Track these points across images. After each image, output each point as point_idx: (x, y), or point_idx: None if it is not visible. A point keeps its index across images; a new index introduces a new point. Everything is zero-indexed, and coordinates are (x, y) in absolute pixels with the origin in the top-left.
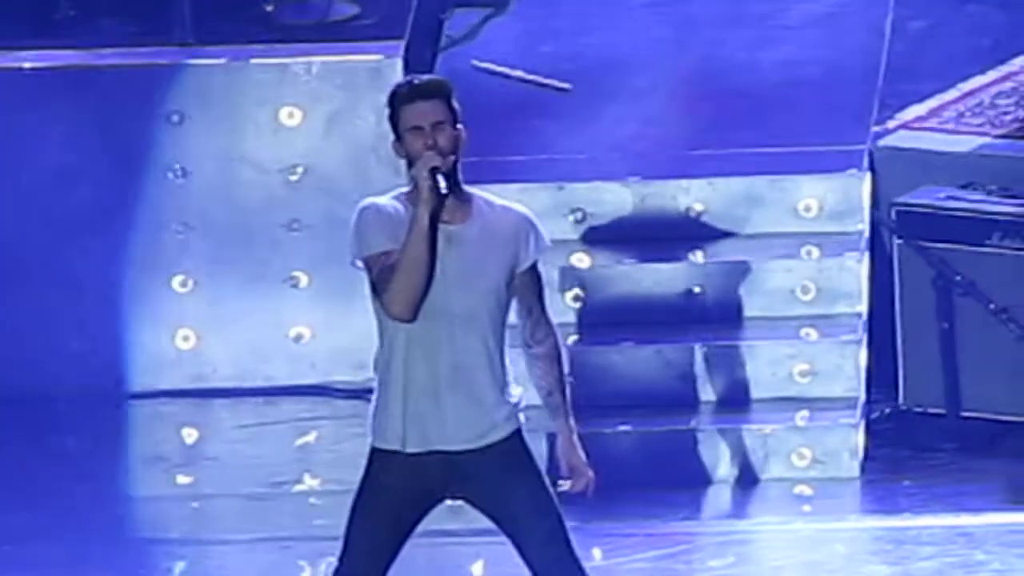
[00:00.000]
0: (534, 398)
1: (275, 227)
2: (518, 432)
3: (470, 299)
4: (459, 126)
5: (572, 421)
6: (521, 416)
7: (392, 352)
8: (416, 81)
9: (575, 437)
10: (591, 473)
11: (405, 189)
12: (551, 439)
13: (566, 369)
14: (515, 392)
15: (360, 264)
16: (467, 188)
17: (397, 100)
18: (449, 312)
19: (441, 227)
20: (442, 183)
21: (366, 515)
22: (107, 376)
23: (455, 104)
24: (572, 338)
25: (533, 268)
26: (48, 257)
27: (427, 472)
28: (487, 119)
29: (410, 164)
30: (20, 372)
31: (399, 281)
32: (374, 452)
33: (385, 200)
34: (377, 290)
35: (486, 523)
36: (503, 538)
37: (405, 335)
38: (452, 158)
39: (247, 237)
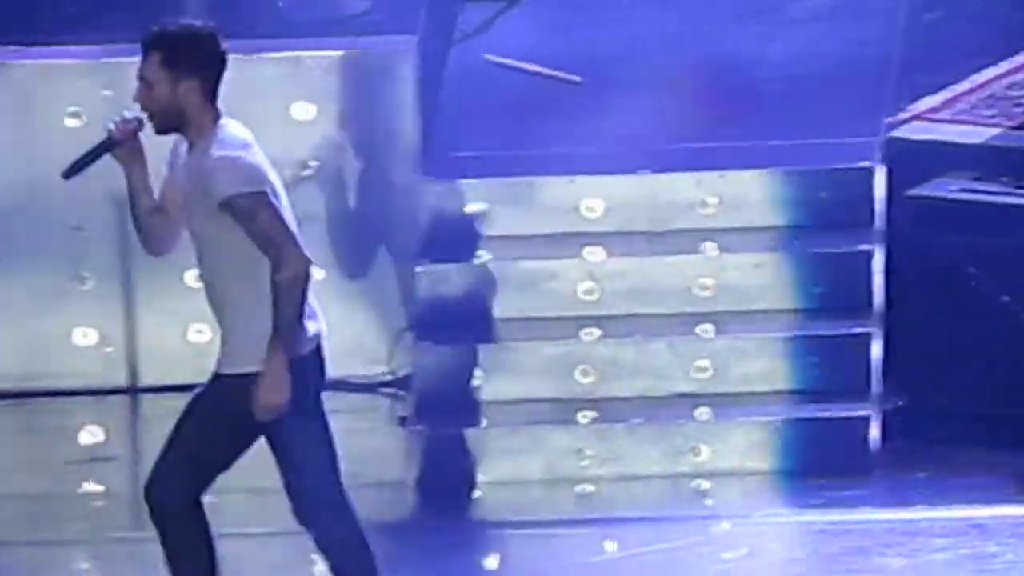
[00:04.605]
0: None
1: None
2: (236, 377)
3: (194, 225)
4: (181, 84)
5: (277, 358)
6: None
7: None
8: (150, 30)
9: (270, 375)
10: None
11: None
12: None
13: (291, 302)
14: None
15: None
16: (222, 124)
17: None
18: (192, 234)
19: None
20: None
21: None
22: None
23: (180, 58)
24: (586, 331)
25: (233, 206)
26: None
27: None
28: (499, 113)
29: None
30: None
31: None
32: None
33: None
34: None
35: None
36: None
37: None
38: (138, 122)
39: None
